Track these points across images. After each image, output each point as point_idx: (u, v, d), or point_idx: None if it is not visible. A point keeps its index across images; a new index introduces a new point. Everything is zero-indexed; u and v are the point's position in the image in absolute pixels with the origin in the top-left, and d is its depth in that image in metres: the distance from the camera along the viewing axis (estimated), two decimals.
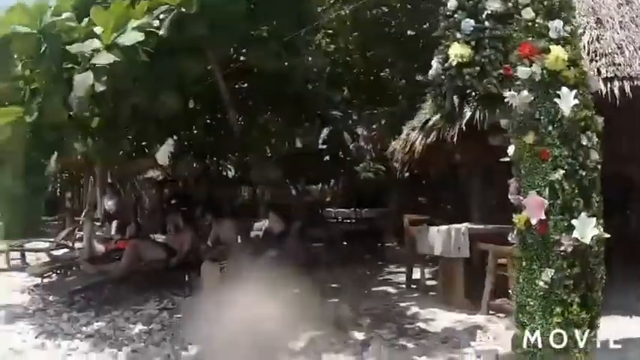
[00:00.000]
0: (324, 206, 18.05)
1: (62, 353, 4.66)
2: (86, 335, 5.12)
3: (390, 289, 7.47)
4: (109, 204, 11.43)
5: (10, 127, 5.51)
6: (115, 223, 11.13)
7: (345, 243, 10.03)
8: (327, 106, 8.97)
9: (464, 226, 6.20)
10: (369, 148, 14.45)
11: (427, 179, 15.03)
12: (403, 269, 9.28)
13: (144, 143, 10.09)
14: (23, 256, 9.47)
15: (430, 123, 6.50)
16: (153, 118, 6.65)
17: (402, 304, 6.41)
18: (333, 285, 7.65)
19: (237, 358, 4.44)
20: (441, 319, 5.70)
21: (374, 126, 14.12)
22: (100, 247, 7.85)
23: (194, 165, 14.47)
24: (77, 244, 10.45)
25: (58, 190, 20.21)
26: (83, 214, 11.31)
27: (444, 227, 6.36)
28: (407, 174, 13.93)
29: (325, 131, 12.38)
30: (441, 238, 6.22)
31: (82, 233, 11.45)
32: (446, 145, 6.74)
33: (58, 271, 7.22)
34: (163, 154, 13.46)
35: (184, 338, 4.93)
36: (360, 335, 5.20)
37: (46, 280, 7.28)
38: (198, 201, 13.16)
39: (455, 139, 6.13)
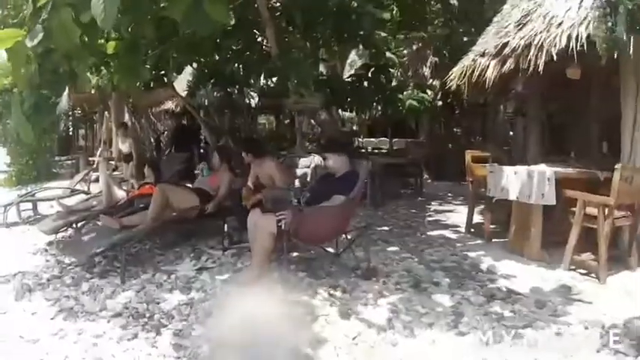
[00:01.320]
0: (357, 136, 16.93)
1: (86, 346, 3.60)
2: (113, 314, 4.07)
3: (448, 234, 6.51)
4: (125, 143, 10.17)
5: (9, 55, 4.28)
6: (131, 165, 10.05)
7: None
8: (371, 26, 7.61)
9: (550, 170, 5.13)
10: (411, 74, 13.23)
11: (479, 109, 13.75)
12: (448, 208, 8.56)
13: (162, 72, 8.98)
14: (35, 206, 8.44)
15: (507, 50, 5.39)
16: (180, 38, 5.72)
17: (470, 255, 5.44)
18: (384, 228, 6.72)
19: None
20: (522, 274, 4.80)
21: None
22: (119, 194, 6.74)
23: (215, 94, 13.38)
24: (93, 187, 9.44)
25: (71, 129, 19.11)
26: (98, 153, 10.26)
27: (521, 168, 5.37)
28: (440, 103, 12.87)
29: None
30: (520, 181, 5.26)
31: (97, 174, 10.51)
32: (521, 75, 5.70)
33: (74, 225, 6.15)
34: (182, 82, 12.39)
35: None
36: (444, 299, 4.21)
37: (60, 236, 6.25)
38: (223, 133, 12.18)
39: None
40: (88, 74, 5.97)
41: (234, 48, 8.53)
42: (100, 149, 12.00)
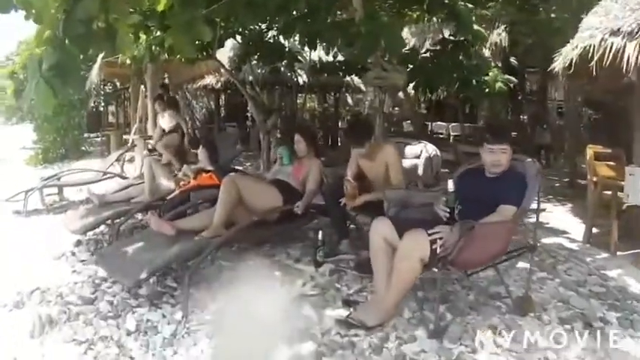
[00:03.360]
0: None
1: None
2: None
3: (567, 244, 5.18)
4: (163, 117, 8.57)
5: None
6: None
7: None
8: None
9: None
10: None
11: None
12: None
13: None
14: (61, 190, 7.08)
15: None
16: None
17: (609, 274, 4.21)
18: None
19: None
20: None
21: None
22: (166, 183, 5.29)
23: (260, 70, 11.94)
24: (127, 169, 8.04)
25: (102, 105, 17.81)
26: (133, 130, 8.83)
27: None
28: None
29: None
30: None
31: (133, 154, 9.09)
32: None
33: (110, 222, 4.73)
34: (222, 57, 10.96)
35: None
36: (628, 345, 2.98)
37: (92, 234, 4.83)
38: (273, 111, 10.70)
39: None
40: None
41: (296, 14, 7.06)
42: (135, 126, 10.60)
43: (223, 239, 3.65)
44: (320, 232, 4.14)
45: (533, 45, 11.55)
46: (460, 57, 8.15)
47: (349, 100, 22.02)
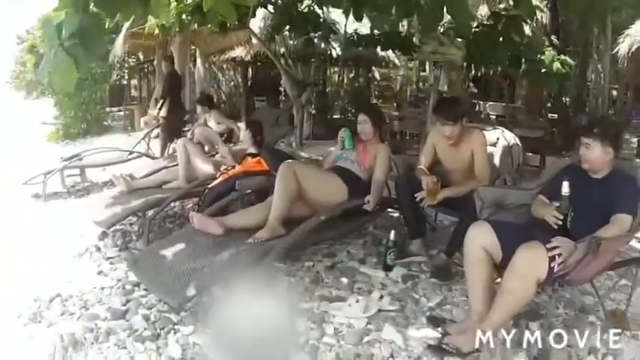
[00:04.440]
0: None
1: None
2: None
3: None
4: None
5: None
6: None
7: None
8: None
9: None
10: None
11: None
12: None
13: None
14: (83, 171, 6.47)
15: None
16: None
17: None
18: None
19: None
20: None
21: None
22: (202, 168, 4.61)
23: (292, 42, 11.16)
24: (153, 145, 7.39)
25: (125, 78, 17.20)
26: (158, 105, 8.17)
27: None
28: None
29: None
30: None
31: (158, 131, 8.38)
32: None
33: (140, 215, 4.09)
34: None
35: None
36: None
37: (117, 226, 4.17)
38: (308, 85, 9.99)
39: None
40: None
41: None
42: (161, 101, 9.95)
43: (288, 244, 2.94)
44: (393, 232, 3.45)
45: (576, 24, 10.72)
46: (511, 34, 7.35)
47: (376, 76, 21.22)
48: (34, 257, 3.80)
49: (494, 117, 13.85)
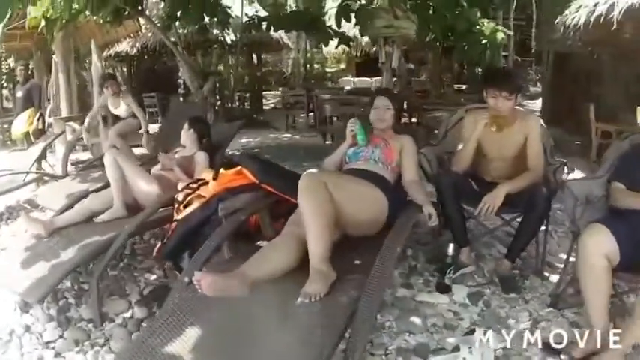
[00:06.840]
0: None
1: None
2: None
3: None
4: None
5: None
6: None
7: None
8: None
9: None
10: None
11: None
12: None
13: None
14: None
15: None
16: None
17: None
18: None
19: None
20: None
21: None
22: (147, 189, 3.50)
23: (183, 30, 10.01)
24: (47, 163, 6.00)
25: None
26: (47, 112, 6.73)
27: None
28: None
29: None
30: None
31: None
32: None
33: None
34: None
35: None
36: None
37: None
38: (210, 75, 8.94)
39: None
40: None
41: None
42: (49, 106, 8.49)
43: (376, 295, 1.95)
44: (452, 245, 2.68)
45: None
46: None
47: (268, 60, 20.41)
48: None
49: None
